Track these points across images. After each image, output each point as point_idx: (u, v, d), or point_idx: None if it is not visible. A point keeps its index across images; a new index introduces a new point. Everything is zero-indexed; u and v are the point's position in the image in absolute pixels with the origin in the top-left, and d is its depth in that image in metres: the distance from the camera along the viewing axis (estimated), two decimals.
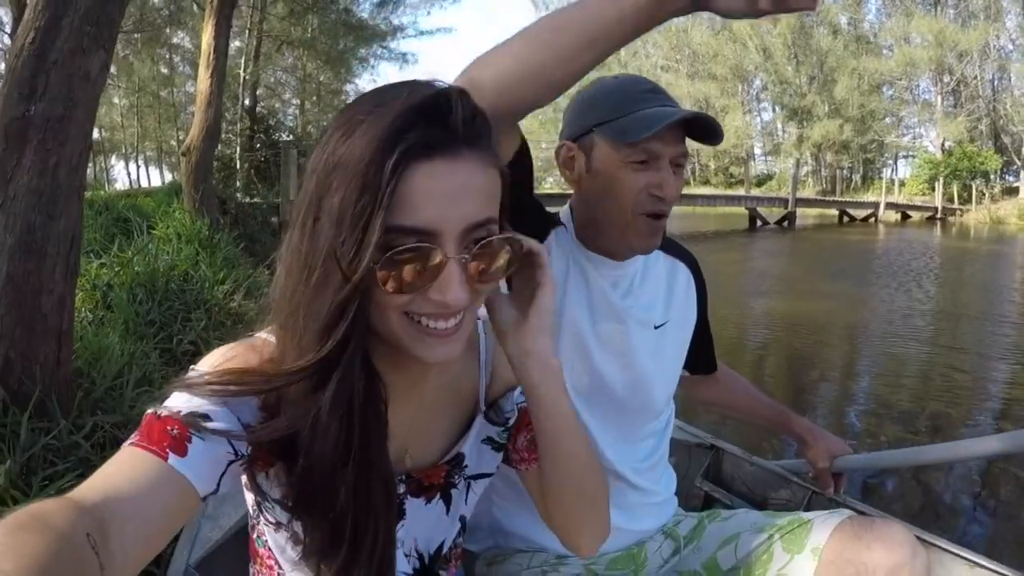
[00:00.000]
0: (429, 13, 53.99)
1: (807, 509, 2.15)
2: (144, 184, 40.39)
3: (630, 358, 1.66)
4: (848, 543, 1.40)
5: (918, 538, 1.52)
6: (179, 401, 0.91)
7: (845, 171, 60.45)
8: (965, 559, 1.78)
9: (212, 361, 0.99)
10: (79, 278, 6.57)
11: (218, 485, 0.91)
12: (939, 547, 1.81)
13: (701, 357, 2.01)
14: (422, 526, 1.21)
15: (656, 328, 1.72)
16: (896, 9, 54.21)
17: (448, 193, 0.87)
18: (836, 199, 45.48)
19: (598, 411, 1.65)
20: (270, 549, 1.19)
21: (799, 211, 33.42)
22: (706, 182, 62.94)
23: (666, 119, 1.41)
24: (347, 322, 0.88)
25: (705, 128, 1.48)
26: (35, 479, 2.98)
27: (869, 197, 44.29)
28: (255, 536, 1.23)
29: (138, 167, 48.42)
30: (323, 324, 0.88)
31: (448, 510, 1.23)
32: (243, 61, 25.29)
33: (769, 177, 60.69)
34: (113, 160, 48.81)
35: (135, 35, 27.10)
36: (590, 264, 1.63)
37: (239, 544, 1.64)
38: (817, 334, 9.13)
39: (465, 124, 0.88)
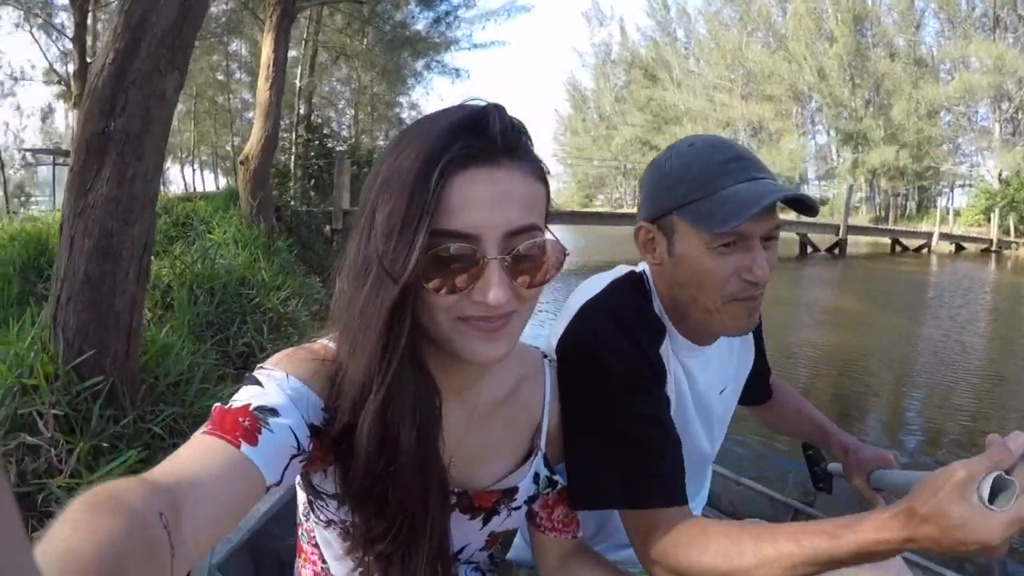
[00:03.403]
0: (484, 27, 53.61)
1: None
2: (199, 188, 40.94)
3: (693, 434, 1.60)
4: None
5: (906, 560, 1.57)
6: (248, 395, 0.97)
7: (900, 198, 58.78)
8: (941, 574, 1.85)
9: (276, 360, 1.05)
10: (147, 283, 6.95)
11: (282, 477, 0.95)
12: (923, 567, 1.86)
13: (756, 391, 1.95)
14: (453, 532, 1.20)
15: (720, 394, 1.66)
16: (954, 32, 52.84)
17: (489, 199, 0.93)
18: (889, 227, 43.54)
19: None
20: (316, 545, 1.27)
21: (851, 238, 32.49)
22: None
23: (756, 204, 1.26)
24: (399, 324, 0.95)
25: (799, 201, 1.35)
26: (103, 460, 3.26)
27: (923, 226, 42.34)
28: (301, 533, 1.31)
29: (193, 171, 48.96)
30: (377, 327, 0.95)
31: (483, 526, 1.27)
32: (299, 71, 25.59)
33: (823, 202, 59.16)
34: (169, 163, 49.78)
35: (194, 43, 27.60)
36: (683, 349, 1.52)
37: (259, 545, 1.76)
38: (864, 365, 8.90)
39: (503, 136, 0.94)
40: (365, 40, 27.17)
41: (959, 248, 37.07)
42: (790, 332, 10.98)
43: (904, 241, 37.03)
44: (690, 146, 1.41)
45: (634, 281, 1.54)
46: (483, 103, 0.97)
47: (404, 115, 37.08)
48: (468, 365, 1.05)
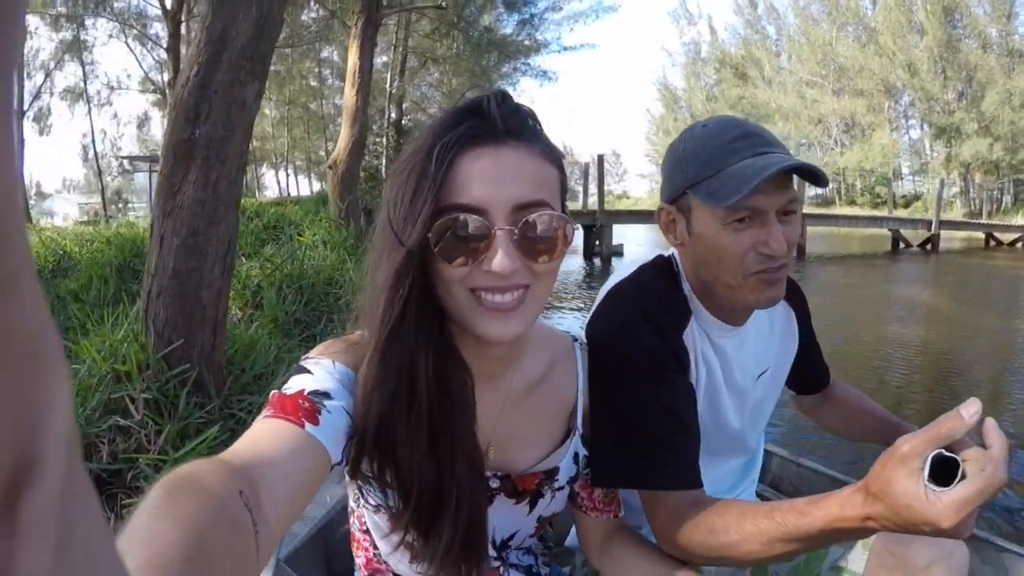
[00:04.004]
0: (572, 29, 53.46)
1: None
2: (293, 192, 41.93)
3: (723, 414, 1.61)
4: (894, 537, 1.34)
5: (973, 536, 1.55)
6: (301, 382, 1.02)
7: (995, 192, 56.72)
8: (1008, 550, 1.79)
9: (320, 349, 1.12)
10: (232, 279, 7.30)
11: (343, 456, 1.00)
12: (981, 539, 1.81)
13: (808, 376, 1.94)
14: (503, 519, 1.29)
15: (758, 379, 1.66)
16: None
17: (494, 175, 0.99)
18: (983, 221, 42.45)
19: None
20: (367, 532, 1.31)
21: (944, 233, 31.59)
22: (852, 202, 59.53)
23: (756, 176, 1.28)
24: (405, 289, 1.00)
25: (809, 172, 1.36)
26: (189, 442, 3.54)
27: (1019, 220, 41.41)
28: (353, 520, 1.35)
29: (287, 176, 50.31)
30: (385, 293, 1.01)
31: (531, 511, 1.31)
32: (389, 76, 26.01)
33: (916, 197, 56.98)
34: (264, 169, 50.93)
35: (286, 49, 28.11)
36: (713, 329, 1.54)
37: (324, 539, 1.80)
38: (952, 362, 8.57)
39: (505, 119, 1.01)
40: (454, 45, 27.44)
41: None
42: (876, 328, 10.72)
43: (998, 235, 35.92)
44: (703, 127, 1.45)
45: (663, 265, 1.57)
46: (488, 92, 1.05)
47: None
48: (497, 349, 1.13)
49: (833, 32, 62.25)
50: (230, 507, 0.67)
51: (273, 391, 1.00)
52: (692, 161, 1.41)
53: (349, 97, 12.43)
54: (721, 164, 1.35)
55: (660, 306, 1.45)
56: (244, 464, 0.79)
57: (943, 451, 0.89)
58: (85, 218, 29.94)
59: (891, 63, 56.70)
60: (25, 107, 31.63)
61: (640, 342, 1.37)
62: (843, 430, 2.05)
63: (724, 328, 1.53)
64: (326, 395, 1.00)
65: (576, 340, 1.40)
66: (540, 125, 1.09)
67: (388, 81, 25.80)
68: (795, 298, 1.75)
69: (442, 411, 1.06)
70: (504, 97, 1.05)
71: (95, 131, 34.88)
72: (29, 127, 34.87)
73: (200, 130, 3.90)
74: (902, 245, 30.64)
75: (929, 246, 30.05)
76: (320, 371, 1.05)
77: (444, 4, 20.11)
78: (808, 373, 1.92)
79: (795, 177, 1.39)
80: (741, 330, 1.56)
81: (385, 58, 27.38)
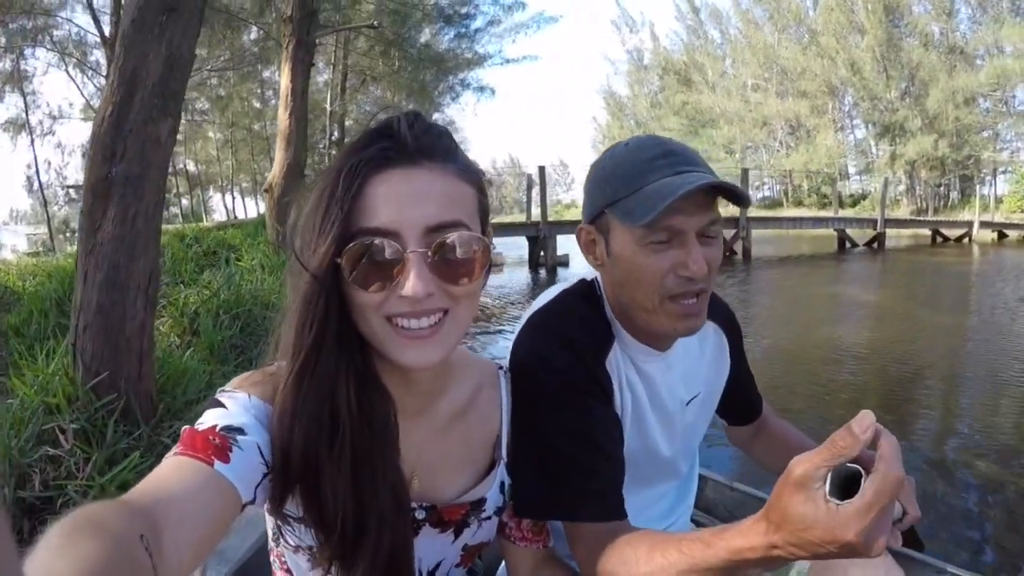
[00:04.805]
0: (514, 41, 53.25)
1: None
2: (240, 215, 41.72)
3: (651, 439, 1.56)
4: (828, 565, 1.32)
5: (895, 552, 1.53)
6: (214, 417, 0.98)
7: (942, 189, 57.08)
8: (937, 568, 1.80)
9: (236, 382, 1.08)
10: (170, 307, 7.45)
11: (255, 495, 0.96)
12: (914, 559, 1.81)
13: (740, 404, 1.88)
14: (428, 549, 1.23)
15: (687, 404, 1.61)
16: (986, 16, 51.51)
17: (405, 197, 0.96)
18: (927, 219, 42.06)
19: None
20: (288, 571, 1.24)
21: (891, 232, 31.67)
22: (799, 203, 59.46)
23: (672, 195, 1.25)
24: (315, 317, 0.97)
25: (731, 193, 1.33)
26: (117, 467, 3.70)
27: (966, 216, 41.40)
28: (273, 559, 1.28)
29: (233, 199, 49.97)
30: (297, 322, 0.99)
31: (455, 540, 1.26)
32: (329, 95, 26.05)
33: (864, 197, 56.93)
34: (211, 192, 50.79)
35: (227, 72, 28.16)
36: (638, 353, 1.49)
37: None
38: (882, 360, 8.57)
39: (416, 139, 0.98)
40: (394, 62, 27.32)
41: (1002, 236, 36.25)
42: (819, 328, 10.94)
43: (944, 231, 36.22)
44: (625, 146, 1.41)
45: (584, 290, 1.53)
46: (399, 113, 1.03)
47: None
48: (419, 376, 1.11)
49: (775, 35, 62.81)
50: (129, 550, 0.66)
51: (185, 427, 0.97)
52: (610, 179, 1.37)
53: (283, 120, 12.68)
54: (639, 183, 1.32)
55: (581, 332, 1.42)
56: (147, 505, 0.77)
57: (847, 464, 0.85)
58: (33, 249, 29.59)
59: (833, 64, 57.20)
60: None
61: (560, 369, 1.35)
62: (777, 466, 1.75)
63: (649, 353, 1.49)
64: (239, 430, 0.97)
65: (501, 368, 1.37)
66: (455, 144, 1.06)
67: (328, 100, 25.84)
68: (727, 321, 1.73)
69: (364, 442, 1.03)
70: (416, 117, 1.03)
71: (39, 161, 34.42)
72: None
73: (117, 168, 4.07)
74: (848, 245, 31.00)
75: (875, 244, 30.48)
76: (234, 405, 1.01)
77: (377, 24, 20.16)
78: (740, 401, 1.87)
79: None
80: (667, 355, 1.52)
81: (326, 76, 27.44)
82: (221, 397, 1.03)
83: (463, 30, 28.57)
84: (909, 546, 1.55)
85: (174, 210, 48.85)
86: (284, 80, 12.76)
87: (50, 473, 3.65)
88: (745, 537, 0.96)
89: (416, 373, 1.09)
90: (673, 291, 1.31)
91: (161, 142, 4.24)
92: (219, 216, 45.88)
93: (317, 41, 15.85)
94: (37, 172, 34.58)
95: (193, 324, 7.43)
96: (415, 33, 26.51)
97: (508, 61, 31.98)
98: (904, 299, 14.65)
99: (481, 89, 31.15)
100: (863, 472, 0.84)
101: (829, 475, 0.85)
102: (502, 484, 1.29)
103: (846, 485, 0.85)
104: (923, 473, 4.86)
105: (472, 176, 1.05)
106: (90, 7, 22.43)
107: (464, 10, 27.64)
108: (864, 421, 0.84)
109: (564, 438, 1.29)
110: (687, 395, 1.59)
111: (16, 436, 3.78)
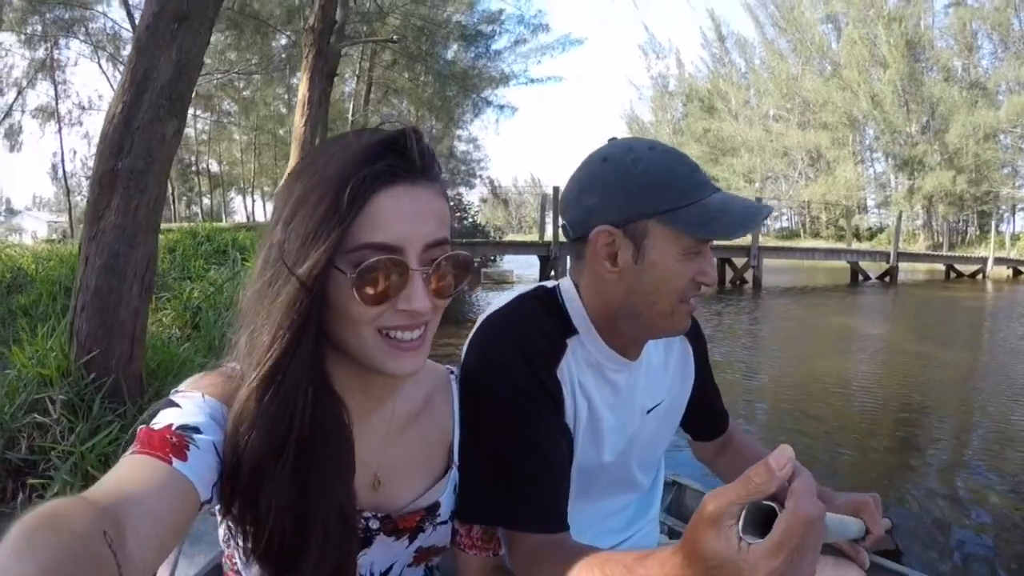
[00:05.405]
0: (540, 62, 52.97)
1: None
2: (260, 218, 41.79)
3: (606, 449, 1.53)
4: None
5: (874, 563, 1.60)
6: (169, 417, 0.96)
7: (960, 224, 56.32)
8: None
9: (190, 383, 1.06)
10: (174, 300, 7.75)
11: (212, 495, 0.95)
12: (886, 569, 1.89)
13: (705, 418, 1.86)
14: (380, 553, 1.23)
15: (648, 413, 1.60)
16: (1008, 53, 50.88)
17: (411, 214, 0.96)
18: (941, 254, 41.54)
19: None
20: (238, 573, 1.19)
21: (904, 266, 30.99)
22: (816, 235, 58.65)
23: (751, 220, 1.32)
24: (295, 325, 0.95)
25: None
26: (99, 437, 3.99)
27: (982, 252, 41.14)
28: (224, 560, 1.25)
29: (253, 201, 50.29)
30: (272, 326, 0.96)
31: (409, 544, 1.25)
32: (352, 105, 26.37)
33: (881, 230, 56.17)
34: (233, 193, 51.25)
35: (254, 76, 28.55)
36: (608, 362, 1.48)
37: None
38: (888, 396, 8.29)
39: (421, 157, 0.99)
40: (419, 76, 27.59)
41: (1017, 273, 35.90)
42: (817, 359, 10.88)
43: (958, 267, 35.59)
44: (650, 150, 1.37)
45: (542, 296, 1.50)
46: (400, 126, 1.01)
47: (460, 148, 37.76)
48: (379, 381, 1.11)
49: (799, 66, 62.53)
50: (93, 546, 0.66)
51: (141, 426, 0.96)
52: (657, 187, 1.32)
53: (298, 127, 12.95)
54: (698, 194, 1.32)
55: (534, 338, 1.39)
56: (108, 503, 0.76)
57: (764, 502, 0.79)
58: (52, 237, 29.80)
59: (855, 96, 56.68)
60: None
61: (509, 375, 1.33)
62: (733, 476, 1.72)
63: (618, 361, 1.48)
64: (195, 429, 0.95)
65: (452, 372, 1.37)
66: (436, 161, 1.07)
67: (350, 111, 26.16)
68: (693, 333, 1.71)
69: (314, 456, 1.01)
70: (420, 135, 1.02)
71: (65, 150, 34.74)
72: (0, 143, 34.89)
73: (123, 162, 4.36)
74: (861, 277, 30.76)
75: (888, 278, 30.28)
76: (189, 404, 1.00)
77: (396, 38, 20.40)
78: (704, 414, 1.84)
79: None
80: (634, 364, 1.52)
81: (350, 88, 27.77)
82: (175, 397, 1.02)
83: (483, 50, 28.64)
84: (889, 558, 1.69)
85: (195, 208, 49.34)
86: (302, 88, 13.06)
87: (36, 439, 3.97)
88: (663, 568, 0.91)
89: (398, 380, 1.13)
90: (689, 296, 1.36)
91: (166, 140, 4.54)
92: (239, 217, 46.27)
93: (343, 52, 16.14)
94: (63, 160, 35.11)
95: (195, 318, 7.71)
96: (441, 49, 26.70)
97: (532, 81, 31.91)
98: (907, 333, 14.47)
99: (502, 107, 31.08)
100: (777, 510, 0.78)
101: (744, 512, 0.79)
102: (455, 488, 1.28)
103: (767, 522, 0.78)
104: (925, 506, 4.82)
105: (445, 193, 1.07)
106: (125, 2, 22.85)
107: (489, 28, 27.81)
108: (782, 457, 0.78)
109: (510, 444, 1.29)
110: (650, 403, 1.59)
111: (9, 402, 4.10)
